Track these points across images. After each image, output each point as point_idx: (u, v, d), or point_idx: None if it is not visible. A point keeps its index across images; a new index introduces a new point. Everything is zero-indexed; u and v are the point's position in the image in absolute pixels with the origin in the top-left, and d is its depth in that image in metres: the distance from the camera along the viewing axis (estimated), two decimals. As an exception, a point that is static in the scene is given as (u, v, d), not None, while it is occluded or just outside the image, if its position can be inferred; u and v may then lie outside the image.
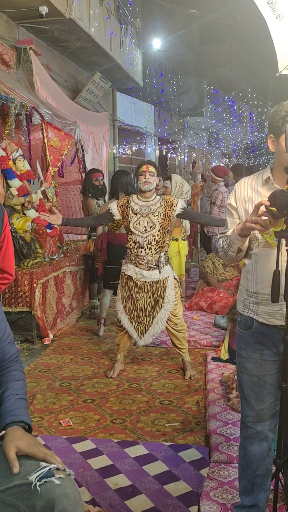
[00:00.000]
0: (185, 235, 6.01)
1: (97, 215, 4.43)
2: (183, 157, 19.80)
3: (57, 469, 1.51)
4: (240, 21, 12.47)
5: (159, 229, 3.91)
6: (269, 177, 2.07)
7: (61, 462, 1.56)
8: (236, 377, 3.62)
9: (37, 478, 1.45)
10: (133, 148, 14.89)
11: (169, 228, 4.11)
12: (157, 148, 17.40)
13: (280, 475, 2.12)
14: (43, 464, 1.51)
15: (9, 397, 1.73)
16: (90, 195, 5.97)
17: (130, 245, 3.96)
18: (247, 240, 2.04)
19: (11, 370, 1.83)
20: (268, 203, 1.77)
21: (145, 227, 3.90)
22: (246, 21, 12.29)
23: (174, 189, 5.67)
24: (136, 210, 3.93)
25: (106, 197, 6.18)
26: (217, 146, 25.39)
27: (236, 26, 14.10)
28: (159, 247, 3.94)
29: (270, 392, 2.13)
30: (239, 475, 2.27)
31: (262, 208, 1.79)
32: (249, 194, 2.11)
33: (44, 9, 6.43)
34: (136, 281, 3.98)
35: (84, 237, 7.34)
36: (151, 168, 3.92)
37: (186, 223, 5.96)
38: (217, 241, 2.24)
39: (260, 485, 2.19)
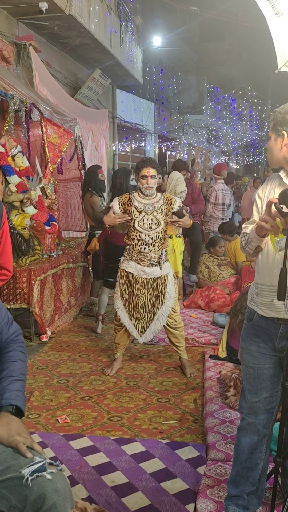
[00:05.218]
0: (178, 233, 5.93)
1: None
2: (182, 154, 19.77)
3: (50, 464, 1.52)
4: (241, 19, 12.43)
5: (163, 226, 3.97)
6: (279, 174, 2.11)
7: (42, 451, 1.58)
8: (233, 375, 3.64)
9: (29, 473, 1.46)
10: (133, 146, 14.87)
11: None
12: (157, 145, 17.37)
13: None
14: (37, 458, 1.52)
15: (1, 380, 1.73)
16: (94, 192, 5.83)
17: (133, 242, 3.96)
18: (266, 239, 2.05)
19: (8, 351, 1.83)
20: (277, 201, 1.77)
21: (150, 224, 3.92)
22: (247, 19, 12.25)
23: (168, 186, 5.62)
24: (140, 208, 3.92)
25: (105, 195, 6.12)
26: (216, 144, 25.37)
27: (236, 24, 14.05)
28: (162, 243, 3.99)
29: (265, 386, 2.15)
30: (232, 465, 2.32)
31: (274, 208, 1.80)
32: (270, 188, 2.14)
33: (44, 5, 6.41)
34: (138, 278, 3.98)
35: (83, 234, 7.31)
36: (153, 172, 3.89)
37: None
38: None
39: (247, 478, 2.22)
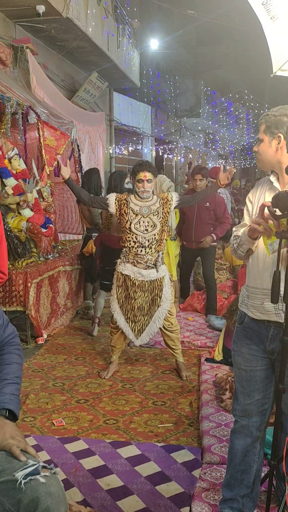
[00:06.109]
0: (172, 236, 5.88)
1: (94, 197, 4.26)
2: (179, 158, 19.81)
3: (44, 467, 1.52)
4: (238, 23, 12.48)
5: (160, 228, 3.96)
6: (269, 178, 2.11)
7: (36, 454, 1.58)
8: (229, 378, 3.64)
9: (23, 476, 1.46)
10: (130, 149, 14.90)
11: (167, 225, 4.13)
12: (154, 148, 17.41)
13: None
14: (31, 461, 1.52)
15: None
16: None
17: (130, 244, 3.96)
18: (257, 242, 2.06)
19: (3, 353, 1.84)
20: (270, 204, 1.78)
21: (146, 227, 3.92)
22: (243, 23, 12.31)
23: (156, 191, 5.53)
24: (137, 210, 3.93)
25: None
26: (213, 147, 25.44)
27: (233, 28, 14.11)
28: (158, 245, 3.99)
29: (257, 388, 2.16)
30: (226, 468, 2.33)
31: (267, 211, 1.81)
32: (260, 191, 2.15)
33: (41, 8, 6.43)
34: (134, 281, 3.98)
35: (80, 236, 7.30)
36: (149, 176, 3.90)
37: (172, 223, 5.79)
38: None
39: (241, 481, 2.23)
